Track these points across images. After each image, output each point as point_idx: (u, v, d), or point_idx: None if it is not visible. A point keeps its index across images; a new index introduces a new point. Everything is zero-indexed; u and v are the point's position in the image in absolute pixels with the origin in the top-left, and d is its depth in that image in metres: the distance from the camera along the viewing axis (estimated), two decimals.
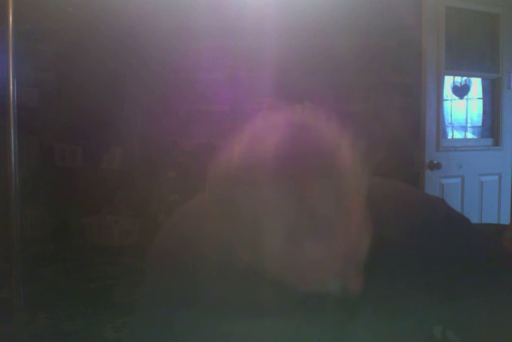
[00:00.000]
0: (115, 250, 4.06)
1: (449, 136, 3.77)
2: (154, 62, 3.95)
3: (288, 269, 0.74)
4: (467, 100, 3.85)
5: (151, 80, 4.00)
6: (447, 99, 3.70)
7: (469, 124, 3.89)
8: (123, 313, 2.88)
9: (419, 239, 0.82)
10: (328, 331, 0.81)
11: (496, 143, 3.55)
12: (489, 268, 0.82)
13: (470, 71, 3.58)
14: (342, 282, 0.77)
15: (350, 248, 0.72)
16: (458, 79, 3.74)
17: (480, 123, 3.80)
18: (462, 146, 3.46)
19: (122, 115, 4.28)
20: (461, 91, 3.78)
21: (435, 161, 3.19)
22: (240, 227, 0.72)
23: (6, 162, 1.76)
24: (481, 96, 3.75)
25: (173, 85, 4.02)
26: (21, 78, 1.79)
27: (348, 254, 0.73)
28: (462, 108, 3.89)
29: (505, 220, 3.40)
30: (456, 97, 3.81)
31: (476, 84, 3.77)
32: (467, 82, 3.76)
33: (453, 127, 3.89)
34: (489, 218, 3.42)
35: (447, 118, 3.76)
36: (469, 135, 3.89)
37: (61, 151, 4.50)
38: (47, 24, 3.88)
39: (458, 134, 3.89)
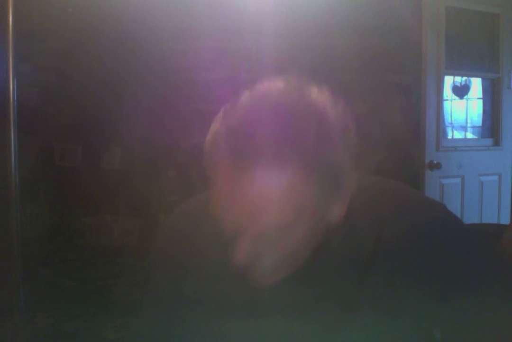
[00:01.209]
0: (115, 250, 4.06)
1: (449, 136, 3.77)
2: (154, 62, 3.95)
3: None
4: (467, 100, 3.85)
5: (151, 80, 4.00)
6: (447, 99, 3.70)
7: (469, 124, 3.89)
8: (123, 313, 2.88)
9: (417, 241, 0.82)
10: (325, 331, 0.82)
11: (496, 143, 3.55)
12: (485, 273, 0.83)
13: (470, 71, 3.58)
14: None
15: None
16: (458, 79, 3.74)
17: (480, 123, 3.81)
18: (462, 146, 3.46)
19: (122, 115, 4.28)
20: (461, 91, 3.78)
21: (435, 161, 3.19)
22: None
23: (6, 162, 1.76)
24: (481, 96, 3.75)
25: (173, 85, 4.02)
26: (21, 78, 1.79)
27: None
28: (462, 108, 3.90)
29: (505, 220, 3.40)
30: (456, 97, 3.81)
31: (476, 84, 3.77)
32: (467, 82, 3.76)
33: (453, 127, 3.89)
34: (489, 218, 3.42)
35: (447, 118, 3.76)
36: (469, 135, 3.89)
37: (61, 151, 4.50)
38: (47, 24, 3.88)
39: (458, 134, 3.89)
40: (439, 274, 0.81)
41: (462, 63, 3.49)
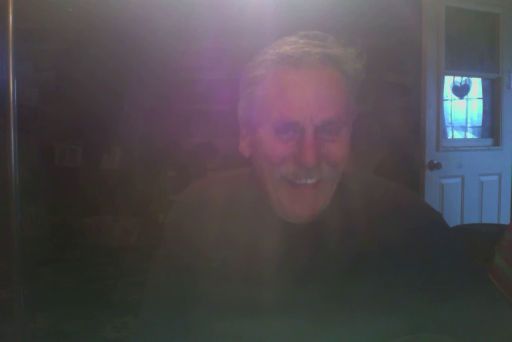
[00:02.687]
0: (115, 250, 4.06)
1: (449, 136, 3.77)
2: (154, 62, 3.94)
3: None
4: (467, 100, 3.85)
5: (151, 80, 4.00)
6: (447, 99, 3.70)
7: (469, 124, 3.89)
8: (123, 313, 2.88)
9: (411, 243, 0.84)
10: (321, 329, 0.82)
11: (496, 143, 3.55)
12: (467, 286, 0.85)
13: (470, 71, 3.58)
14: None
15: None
16: (458, 79, 3.74)
17: (480, 123, 3.80)
18: (462, 146, 3.46)
19: (122, 115, 4.28)
20: (461, 91, 3.78)
21: (435, 161, 3.19)
22: None
23: (6, 162, 1.76)
24: (481, 96, 3.75)
25: (173, 85, 4.02)
26: (21, 78, 1.79)
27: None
28: (462, 108, 3.89)
29: (505, 220, 3.40)
30: (456, 97, 3.81)
31: (476, 84, 3.77)
32: (467, 82, 3.76)
33: (453, 127, 3.88)
34: (489, 218, 3.42)
35: (447, 118, 3.76)
36: (469, 135, 3.89)
37: (61, 151, 4.50)
38: (47, 24, 3.88)
39: (458, 134, 3.89)
40: (428, 276, 0.83)
41: (462, 63, 3.48)
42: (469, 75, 3.68)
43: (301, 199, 0.81)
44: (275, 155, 0.79)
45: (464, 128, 3.87)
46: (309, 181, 0.79)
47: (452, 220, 3.22)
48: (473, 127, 3.91)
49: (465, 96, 3.81)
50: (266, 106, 0.80)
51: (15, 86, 1.75)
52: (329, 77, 0.79)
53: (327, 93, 0.78)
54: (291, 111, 0.77)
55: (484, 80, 3.69)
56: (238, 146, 0.89)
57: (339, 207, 0.85)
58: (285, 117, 0.78)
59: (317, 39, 0.81)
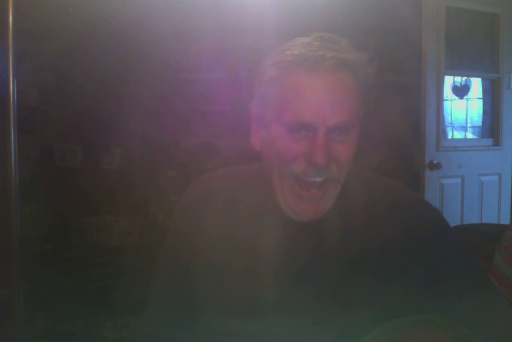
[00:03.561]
0: (115, 250, 4.06)
1: (449, 136, 3.77)
2: (154, 62, 3.94)
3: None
4: (467, 100, 3.85)
5: (151, 80, 4.00)
6: (447, 99, 3.70)
7: (469, 124, 3.89)
8: (123, 313, 2.88)
9: (410, 240, 0.85)
10: (322, 329, 0.82)
11: (496, 143, 3.55)
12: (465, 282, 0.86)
13: (470, 71, 3.58)
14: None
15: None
16: (458, 79, 3.74)
17: (480, 123, 3.80)
18: (462, 146, 3.46)
19: (122, 115, 4.28)
20: (461, 91, 3.78)
21: (435, 161, 3.19)
22: None
23: (6, 162, 1.76)
24: (481, 96, 3.75)
25: (173, 85, 4.02)
26: (21, 78, 1.79)
27: None
28: (462, 108, 3.90)
29: (505, 220, 3.40)
30: (456, 97, 3.81)
31: (476, 84, 3.77)
32: (467, 82, 3.76)
33: (453, 127, 3.89)
34: (489, 218, 3.42)
35: (447, 118, 3.76)
36: (469, 135, 3.89)
37: (61, 151, 4.50)
38: (47, 24, 3.88)
39: (458, 134, 3.89)
40: (427, 274, 0.84)
41: (462, 63, 3.48)
42: (469, 75, 3.68)
43: (307, 197, 0.84)
44: (287, 153, 0.83)
45: (464, 128, 3.87)
46: (318, 179, 0.83)
47: (452, 220, 3.22)
48: (473, 127, 3.91)
49: (465, 96, 3.81)
50: (281, 107, 0.83)
51: (15, 86, 1.75)
52: (342, 82, 0.83)
53: (340, 97, 0.82)
54: (305, 113, 0.80)
55: (484, 80, 3.69)
56: (248, 141, 0.92)
57: (342, 205, 0.87)
58: (300, 118, 0.81)
59: (330, 42, 0.85)
